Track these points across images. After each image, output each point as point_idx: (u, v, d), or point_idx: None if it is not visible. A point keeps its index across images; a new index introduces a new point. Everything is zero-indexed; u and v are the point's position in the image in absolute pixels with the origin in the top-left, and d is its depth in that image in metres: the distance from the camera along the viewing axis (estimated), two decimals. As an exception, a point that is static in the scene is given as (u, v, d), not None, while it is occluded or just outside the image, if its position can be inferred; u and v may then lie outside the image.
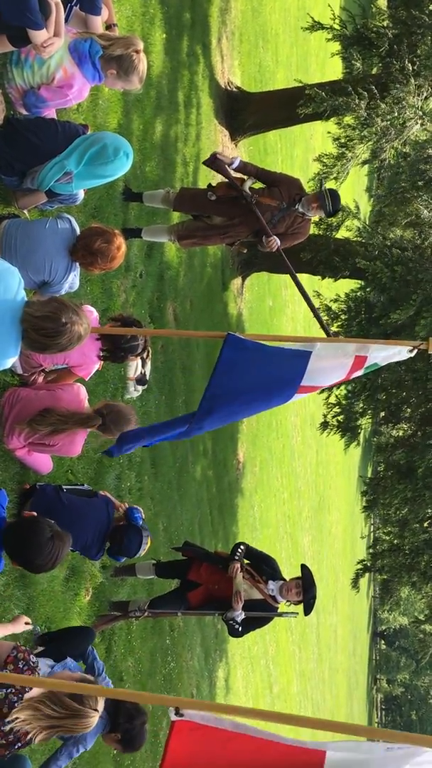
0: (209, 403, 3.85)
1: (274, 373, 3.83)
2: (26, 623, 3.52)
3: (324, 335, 6.65)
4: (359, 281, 11.57)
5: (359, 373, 3.92)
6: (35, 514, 3.53)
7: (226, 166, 6.42)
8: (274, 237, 6.41)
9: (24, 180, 4.17)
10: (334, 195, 6.59)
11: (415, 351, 3.80)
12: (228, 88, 10.80)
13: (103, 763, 5.53)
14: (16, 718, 2.71)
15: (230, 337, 3.76)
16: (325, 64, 19.31)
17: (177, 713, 2.55)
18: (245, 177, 6.48)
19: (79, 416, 4.13)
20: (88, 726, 2.90)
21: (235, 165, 6.41)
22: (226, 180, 6.46)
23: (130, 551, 4.87)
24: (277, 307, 15.31)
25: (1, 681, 2.83)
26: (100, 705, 2.95)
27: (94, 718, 2.92)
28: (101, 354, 4.36)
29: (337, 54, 10.50)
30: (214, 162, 6.43)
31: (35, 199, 4.26)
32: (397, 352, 3.88)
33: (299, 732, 10.58)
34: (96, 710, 2.91)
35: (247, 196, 6.32)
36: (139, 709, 4.15)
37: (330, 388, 4.06)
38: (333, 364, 3.85)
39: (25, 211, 4.46)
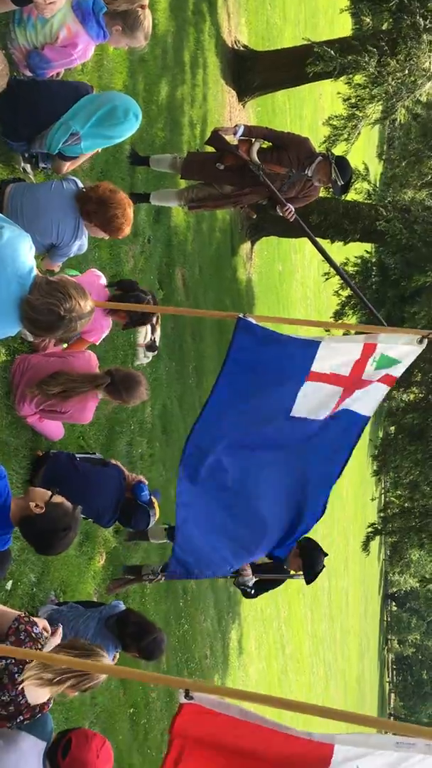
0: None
1: (283, 368, 3.79)
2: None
3: (348, 289, 6.43)
4: (369, 244, 11.43)
5: (372, 366, 3.83)
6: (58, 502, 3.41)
7: (231, 136, 6.29)
8: (290, 206, 6.29)
9: (32, 144, 4.11)
10: (344, 167, 6.34)
11: (425, 341, 3.75)
12: (235, 47, 10.57)
13: (120, 722, 5.65)
14: (29, 676, 2.74)
15: (241, 321, 3.69)
16: (334, 20, 18.86)
17: (187, 696, 2.54)
18: (252, 140, 6.35)
19: (89, 376, 4.11)
20: (102, 668, 2.93)
21: (239, 133, 6.27)
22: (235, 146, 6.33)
23: (138, 528, 4.95)
24: (287, 271, 15.18)
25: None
26: (107, 658, 3.03)
27: (107, 659, 3.00)
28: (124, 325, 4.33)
29: (346, 10, 10.27)
30: (217, 140, 6.29)
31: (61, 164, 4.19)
32: (407, 341, 3.80)
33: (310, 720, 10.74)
34: (104, 655, 3.00)
35: (255, 167, 6.18)
36: (147, 629, 4.29)
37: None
38: (343, 352, 3.80)
39: (30, 175, 4.40)
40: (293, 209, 6.29)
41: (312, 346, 3.75)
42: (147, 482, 5.06)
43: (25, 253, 2.93)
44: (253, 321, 3.72)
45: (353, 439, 4.11)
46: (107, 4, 3.90)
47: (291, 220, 6.34)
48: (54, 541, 3.12)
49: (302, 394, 3.82)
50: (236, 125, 6.41)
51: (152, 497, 5.05)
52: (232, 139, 6.34)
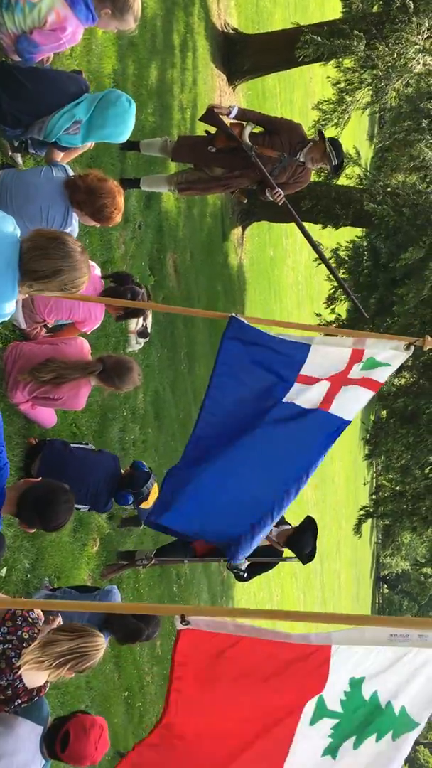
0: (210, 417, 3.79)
1: (272, 370, 3.82)
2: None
3: (334, 279, 6.47)
4: (360, 229, 11.42)
5: (359, 366, 3.87)
6: (40, 479, 3.58)
7: (225, 116, 6.26)
8: (279, 190, 6.28)
9: (29, 129, 4.09)
10: (337, 147, 6.34)
11: (412, 348, 3.79)
12: (224, 30, 10.49)
13: (115, 705, 5.70)
14: (27, 658, 2.76)
15: (233, 320, 3.72)
16: (324, 2, 18.73)
17: (183, 621, 2.58)
18: (244, 123, 6.32)
19: (80, 363, 4.12)
20: (100, 645, 2.96)
21: (233, 114, 6.25)
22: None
23: (138, 482, 4.92)
24: (278, 257, 15.16)
25: None
26: (102, 638, 3.05)
27: (102, 641, 3.01)
28: (118, 316, 4.33)
29: (336, -8, 10.18)
30: (211, 117, 6.26)
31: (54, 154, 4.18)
32: (395, 347, 3.84)
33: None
34: (100, 635, 3.02)
35: (247, 148, 6.17)
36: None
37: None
38: (332, 357, 3.84)
39: (19, 161, 4.38)
40: (282, 193, 6.28)
41: (302, 349, 3.80)
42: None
43: (9, 230, 2.87)
44: (245, 321, 3.76)
45: (329, 442, 4.03)
46: None
47: (280, 203, 6.34)
48: (55, 504, 3.18)
49: (292, 391, 3.88)
50: (231, 105, 6.37)
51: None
52: (225, 120, 6.31)
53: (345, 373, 3.88)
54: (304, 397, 3.88)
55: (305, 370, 3.81)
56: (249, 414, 3.90)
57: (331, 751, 2.87)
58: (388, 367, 3.89)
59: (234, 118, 6.27)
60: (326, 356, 3.82)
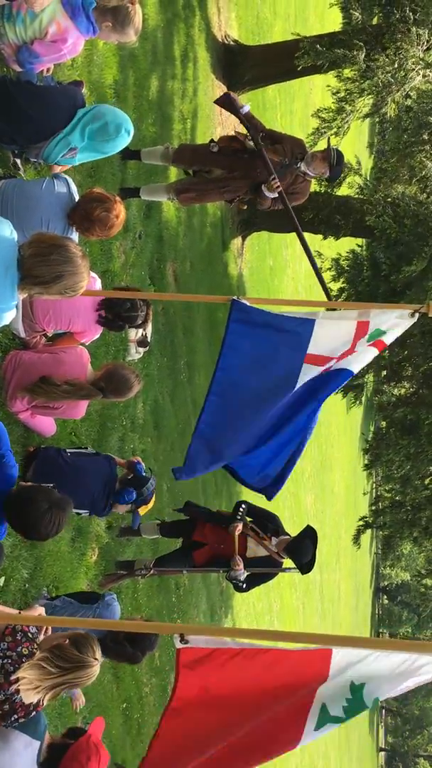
0: (220, 388, 3.85)
1: (280, 349, 3.84)
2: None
3: (324, 296, 6.59)
4: (361, 240, 11.44)
5: (364, 340, 3.89)
6: (30, 484, 3.53)
7: (238, 109, 6.28)
8: (277, 179, 6.27)
9: (28, 152, 4.14)
10: (338, 154, 6.41)
11: (417, 315, 3.80)
12: (225, 41, 10.55)
13: (113, 717, 5.67)
14: (22, 678, 2.73)
15: (235, 303, 3.71)
16: (324, 15, 18.83)
17: (182, 641, 2.58)
18: (248, 134, 6.35)
19: (79, 393, 4.09)
20: (93, 675, 2.93)
21: (245, 111, 6.27)
22: (229, 135, 6.34)
23: (140, 483, 4.90)
24: (278, 267, 15.19)
25: None
26: (99, 653, 2.99)
27: (97, 667, 2.96)
28: (100, 320, 4.33)
29: (335, 4, 10.23)
30: (228, 100, 6.27)
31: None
32: (399, 315, 3.86)
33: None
34: (96, 659, 2.96)
35: (256, 137, 6.17)
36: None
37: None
38: (338, 333, 3.84)
39: (21, 172, 4.40)
40: (279, 183, 6.25)
41: (307, 324, 3.79)
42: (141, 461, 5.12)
43: (6, 234, 2.88)
44: (247, 302, 3.77)
45: (332, 389, 4.13)
46: (97, 0, 3.90)
47: (277, 193, 6.28)
48: (35, 516, 3.13)
49: (301, 377, 3.90)
50: (244, 104, 6.41)
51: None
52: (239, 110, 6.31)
53: (351, 351, 3.92)
54: (312, 374, 3.92)
55: (312, 349, 3.82)
56: (261, 402, 3.94)
57: None
58: (393, 332, 3.93)
59: (245, 115, 6.29)
60: (332, 332, 3.82)
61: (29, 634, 3.03)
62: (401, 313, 3.86)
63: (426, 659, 2.77)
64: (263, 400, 3.94)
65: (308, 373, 3.89)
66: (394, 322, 3.89)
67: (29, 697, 2.79)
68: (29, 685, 2.72)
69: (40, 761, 3.04)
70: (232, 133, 6.48)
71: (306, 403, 4.08)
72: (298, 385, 3.91)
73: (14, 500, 3.18)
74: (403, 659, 2.77)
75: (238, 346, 3.77)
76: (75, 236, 4.11)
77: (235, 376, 3.84)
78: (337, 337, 3.84)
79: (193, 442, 3.93)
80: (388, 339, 3.97)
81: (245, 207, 9.34)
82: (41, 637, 3.04)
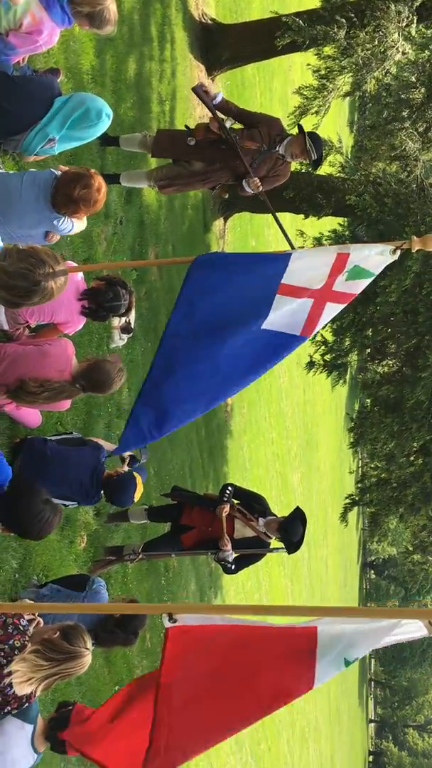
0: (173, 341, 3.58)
1: (250, 280, 3.55)
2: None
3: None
4: (342, 218, 11.43)
5: (342, 277, 3.63)
6: (23, 482, 3.53)
7: (211, 100, 6.24)
8: (256, 178, 6.29)
9: (5, 143, 4.10)
10: (316, 141, 6.33)
11: (398, 252, 3.61)
12: (202, 20, 10.43)
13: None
14: (16, 671, 2.77)
15: (198, 258, 3.50)
16: (302, -10, 18.63)
17: (170, 619, 2.62)
18: (224, 117, 6.32)
19: (60, 395, 4.05)
20: (85, 665, 2.99)
21: (217, 101, 6.22)
22: (205, 122, 6.31)
23: (125, 502, 4.97)
24: (261, 247, 15.15)
25: None
26: (89, 643, 3.05)
27: (88, 657, 3.02)
28: (83, 311, 4.32)
29: (314, -19, 10.14)
30: (199, 93, 6.22)
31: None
32: (381, 252, 3.63)
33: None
34: (87, 649, 3.01)
35: (231, 135, 6.15)
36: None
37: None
38: (315, 262, 3.60)
39: (1, 165, 4.37)
40: (258, 181, 6.27)
41: (282, 259, 3.56)
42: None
43: None
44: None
45: (279, 356, 3.75)
46: (71, 3, 3.87)
47: (258, 191, 6.31)
48: (29, 517, 3.15)
49: (274, 307, 3.60)
50: (217, 92, 6.35)
51: (135, 472, 5.11)
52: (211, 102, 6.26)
53: (329, 286, 3.63)
54: (286, 319, 3.62)
55: (287, 278, 3.54)
56: (229, 332, 3.60)
57: None
58: (370, 278, 3.68)
59: (217, 105, 6.25)
60: (309, 261, 3.58)
61: (20, 627, 3.06)
62: (383, 249, 3.64)
63: (409, 621, 2.79)
64: (225, 332, 3.59)
65: (282, 305, 3.57)
66: (375, 259, 3.66)
67: (22, 689, 2.84)
68: (22, 678, 2.76)
69: (46, 729, 3.11)
70: (208, 119, 6.43)
71: (259, 361, 3.68)
72: (271, 315, 3.58)
73: (10, 498, 3.19)
74: (386, 623, 2.79)
75: (198, 291, 3.51)
76: (65, 222, 4.07)
77: (196, 321, 3.55)
78: (315, 266, 3.58)
79: (136, 403, 3.62)
80: (359, 288, 3.68)
81: (226, 195, 9.29)
82: (32, 629, 3.08)
